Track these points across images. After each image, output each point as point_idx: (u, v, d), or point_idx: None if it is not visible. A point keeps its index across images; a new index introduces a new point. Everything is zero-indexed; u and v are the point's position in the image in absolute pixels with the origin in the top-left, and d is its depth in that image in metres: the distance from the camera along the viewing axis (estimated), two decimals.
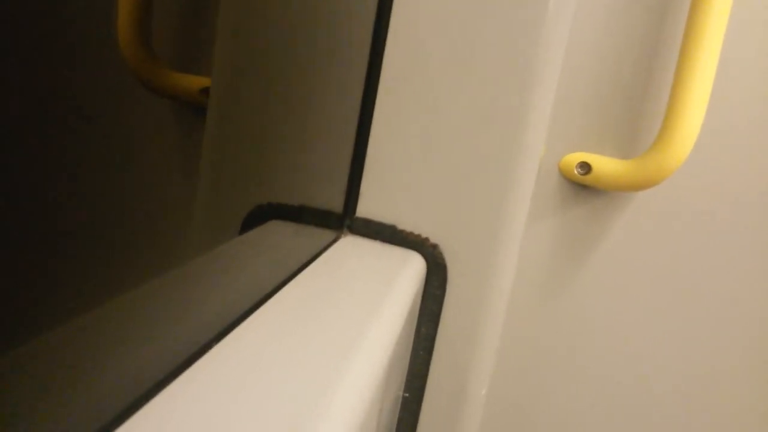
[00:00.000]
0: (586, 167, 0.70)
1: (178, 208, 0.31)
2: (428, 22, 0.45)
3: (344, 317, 0.31)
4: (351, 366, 0.27)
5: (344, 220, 0.47)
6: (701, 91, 0.62)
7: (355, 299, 0.34)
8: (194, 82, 0.33)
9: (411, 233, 0.46)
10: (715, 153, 0.70)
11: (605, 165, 0.69)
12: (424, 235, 0.46)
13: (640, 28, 0.68)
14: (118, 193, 0.25)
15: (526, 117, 0.45)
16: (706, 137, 0.69)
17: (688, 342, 0.74)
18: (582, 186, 0.72)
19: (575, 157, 0.71)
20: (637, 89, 0.69)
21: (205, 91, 0.34)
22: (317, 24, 0.38)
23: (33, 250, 0.20)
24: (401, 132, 0.46)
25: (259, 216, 0.35)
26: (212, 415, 0.21)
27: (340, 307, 0.32)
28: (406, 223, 0.46)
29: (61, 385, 0.18)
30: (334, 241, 0.45)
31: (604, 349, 0.75)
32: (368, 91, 0.46)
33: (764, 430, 0.75)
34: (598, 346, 0.75)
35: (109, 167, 0.24)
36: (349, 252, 0.43)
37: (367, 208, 0.47)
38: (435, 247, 0.46)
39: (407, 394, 0.48)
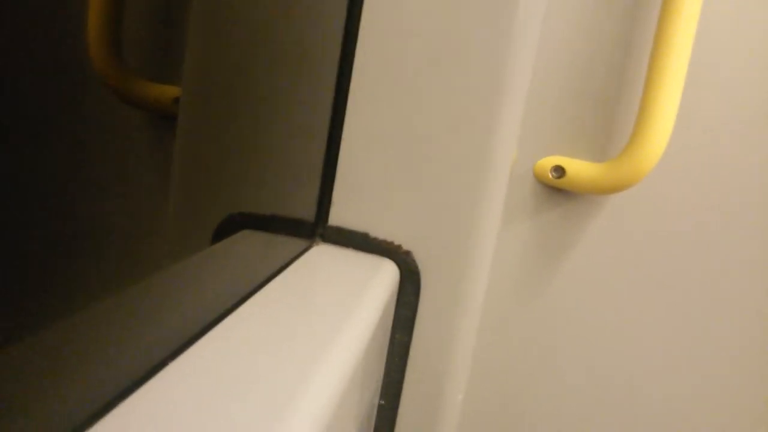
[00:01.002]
0: (560, 171, 0.71)
1: (149, 218, 0.31)
2: (398, 29, 0.45)
3: (313, 325, 0.31)
4: (317, 373, 0.27)
5: (316, 228, 0.47)
6: (673, 93, 0.63)
7: (325, 307, 0.34)
8: (167, 91, 0.33)
9: (384, 241, 0.46)
10: (688, 154, 0.71)
11: (579, 168, 0.70)
12: (396, 242, 0.46)
13: (611, 30, 0.69)
14: (88, 204, 0.25)
15: (497, 122, 0.45)
16: (679, 139, 0.70)
17: (666, 340, 0.74)
18: (557, 189, 0.73)
19: (549, 161, 0.71)
20: (610, 92, 0.70)
21: (179, 100, 0.33)
22: (287, 32, 0.38)
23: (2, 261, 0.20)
24: (373, 140, 0.46)
25: (230, 226, 0.35)
26: (177, 422, 0.21)
27: (309, 315, 0.32)
28: (378, 230, 0.46)
29: (36, 389, 0.18)
30: (306, 249, 0.45)
31: (581, 350, 0.75)
32: (339, 100, 0.46)
33: (745, 425, 0.75)
34: (574, 348, 0.75)
35: (79, 178, 0.24)
36: (321, 260, 0.43)
37: (339, 216, 0.47)
38: (408, 254, 0.46)
39: (383, 402, 0.48)
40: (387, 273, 0.44)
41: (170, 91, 0.33)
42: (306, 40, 0.41)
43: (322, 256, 0.44)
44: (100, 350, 0.22)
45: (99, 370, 0.22)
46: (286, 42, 0.38)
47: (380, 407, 0.49)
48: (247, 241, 0.36)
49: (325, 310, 0.33)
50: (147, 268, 0.28)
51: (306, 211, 0.45)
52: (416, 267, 0.46)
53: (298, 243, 0.44)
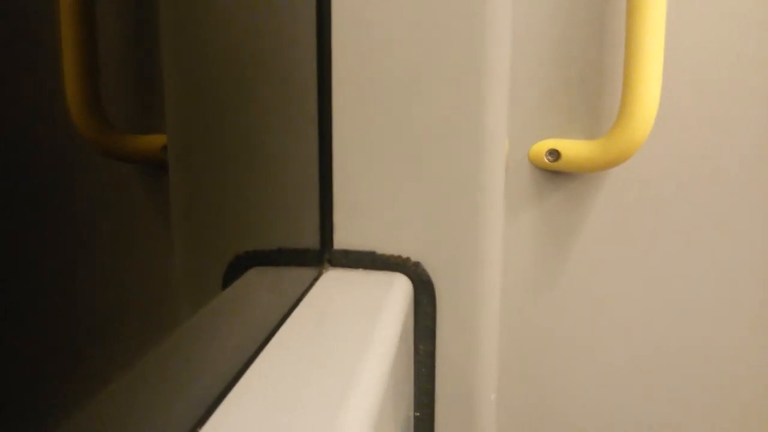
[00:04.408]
0: (555, 154, 0.70)
1: (157, 270, 0.31)
2: (369, 46, 0.45)
3: (338, 354, 0.31)
4: (350, 399, 0.27)
5: (323, 254, 0.47)
6: (653, 62, 0.63)
7: (346, 334, 0.34)
8: (154, 141, 0.33)
9: (391, 256, 0.46)
10: (683, 120, 0.71)
11: (574, 148, 0.70)
12: (404, 255, 0.46)
13: (585, 7, 0.69)
14: (90, 270, 0.25)
15: (484, 118, 0.45)
16: (671, 104, 0.70)
17: (684, 310, 0.74)
18: (555, 173, 0.73)
19: (543, 145, 0.71)
20: (592, 68, 0.69)
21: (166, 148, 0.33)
22: (263, 67, 0.38)
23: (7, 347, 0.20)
24: (363, 159, 0.46)
25: (238, 266, 0.35)
26: None
27: (333, 345, 0.32)
28: (384, 246, 0.46)
29: None
30: (317, 278, 0.45)
31: (605, 330, 0.75)
32: (323, 124, 0.46)
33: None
34: (598, 328, 0.75)
35: (78, 243, 0.24)
36: (333, 287, 0.43)
37: (343, 239, 0.47)
38: (417, 265, 0.46)
39: (418, 414, 0.48)
40: (400, 288, 0.44)
41: (158, 140, 0.33)
42: (280, 69, 0.41)
43: (333, 282, 0.44)
44: (130, 420, 0.22)
45: None
46: (262, 76, 0.38)
47: (417, 419, 0.48)
48: (257, 279, 0.36)
49: (347, 337, 0.33)
50: (163, 325, 0.28)
51: (310, 239, 0.45)
52: (428, 277, 0.46)
53: (307, 272, 0.43)
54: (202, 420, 0.26)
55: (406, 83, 0.45)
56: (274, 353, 0.32)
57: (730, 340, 0.74)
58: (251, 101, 0.37)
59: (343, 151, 0.46)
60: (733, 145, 0.70)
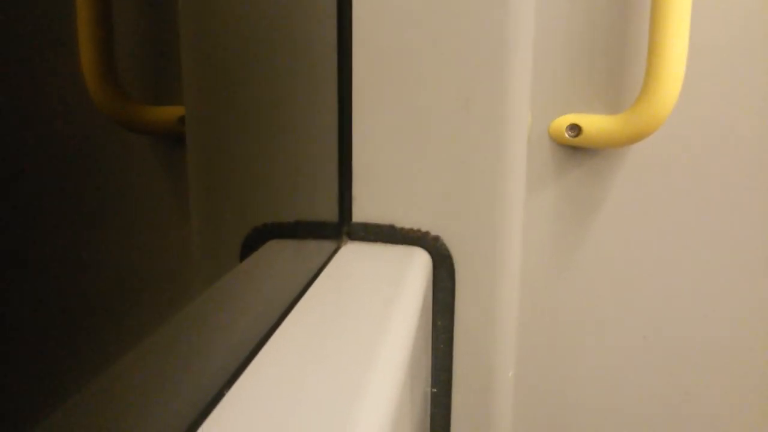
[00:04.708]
0: (576, 129, 0.69)
1: (174, 243, 0.30)
2: (390, 14, 0.44)
3: (357, 328, 0.31)
4: (371, 375, 0.27)
5: (342, 227, 0.47)
6: (679, 34, 0.61)
7: (365, 307, 0.34)
8: (170, 112, 0.33)
9: (410, 229, 0.46)
10: (705, 97, 0.69)
11: (595, 123, 0.69)
12: (423, 229, 0.46)
13: None
14: (110, 240, 0.25)
15: (506, 90, 0.44)
16: (695, 79, 0.68)
17: (708, 288, 0.73)
18: (575, 148, 0.72)
19: (564, 120, 0.70)
20: (615, 42, 0.68)
21: (183, 120, 0.33)
22: (280, 35, 0.38)
23: (29, 311, 0.20)
24: (383, 131, 0.45)
25: (256, 238, 0.35)
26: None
27: (352, 319, 0.32)
28: (403, 220, 0.46)
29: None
30: (336, 251, 0.44)
31: (624, 306, 0.74)
32: (343, 96, 0.45)
33: None
34: (618, 305, 0.74)
35: (93, 215, 0.24)
36: (352, 260, 0.43)
37: (362, 212, 0.46)
38: (437, 239, 0.46)
39: (435, 389, 0.48)
40: (419, 262, 0.44)
41: (174, 111, 0.33)
42: (299, 39, 0.40)
43: (352, 255, 0.44)
44: (151, 391, 0.22)
45: (156, 410, 0.22)
46: (280, 45, 0.38)
47: (434, 395, 0.48)
48: (275, 252, 0.36)
49: (366, 313, 0.33)
50: (181, 296, 0.28)
51: (329, 212, 0.44)
52: (447, 251, 0.46)
53: (326, 245, 0.43)
54: (220, 394, 0.26)
55: (428, 54, 0.44)
56: (293, 327, 0.32)
57: (754, 316, 0.73)
58: (270, 72, 0.37)
59: (363, 124, 0.45)
60: (759, 122, 0.69)
